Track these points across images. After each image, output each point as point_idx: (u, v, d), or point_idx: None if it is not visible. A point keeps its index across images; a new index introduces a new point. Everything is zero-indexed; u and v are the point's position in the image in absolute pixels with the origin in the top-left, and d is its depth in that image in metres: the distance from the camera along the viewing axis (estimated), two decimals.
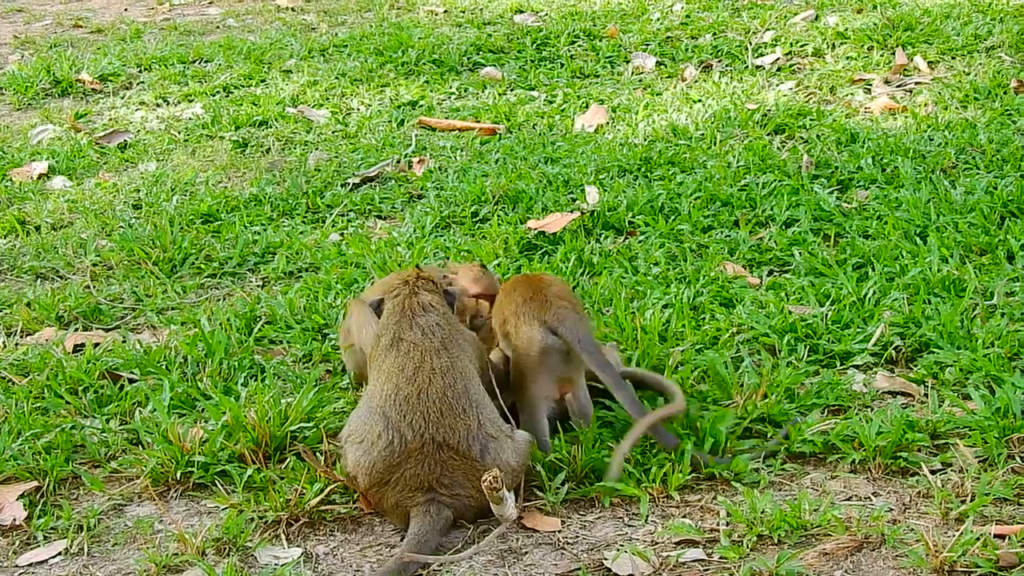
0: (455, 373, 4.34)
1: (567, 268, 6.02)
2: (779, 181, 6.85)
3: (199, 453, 4.67)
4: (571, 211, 6.60)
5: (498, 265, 6.08)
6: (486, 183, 7.07)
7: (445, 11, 11.85)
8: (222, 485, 4.59)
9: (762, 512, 4.17)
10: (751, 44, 9.67)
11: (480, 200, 6.95)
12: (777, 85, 8.78)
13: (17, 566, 4.32)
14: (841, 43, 9.54)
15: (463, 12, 11.64)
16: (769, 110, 8.02)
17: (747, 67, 9.31)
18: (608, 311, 5.58)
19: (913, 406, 4.82)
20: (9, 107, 10.07)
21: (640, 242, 6.31)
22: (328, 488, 4.46)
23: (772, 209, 6.51)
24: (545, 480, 4.45)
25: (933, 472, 4.39)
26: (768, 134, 7.73)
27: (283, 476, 4.60)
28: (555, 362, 4.63)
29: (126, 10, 13.14)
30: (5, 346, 5.80)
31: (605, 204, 6.64)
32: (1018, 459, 4.43)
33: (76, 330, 5.97)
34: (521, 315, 4.63)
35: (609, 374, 4.52)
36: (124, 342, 5.73)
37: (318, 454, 4.64)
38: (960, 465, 4.42)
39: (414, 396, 4.28)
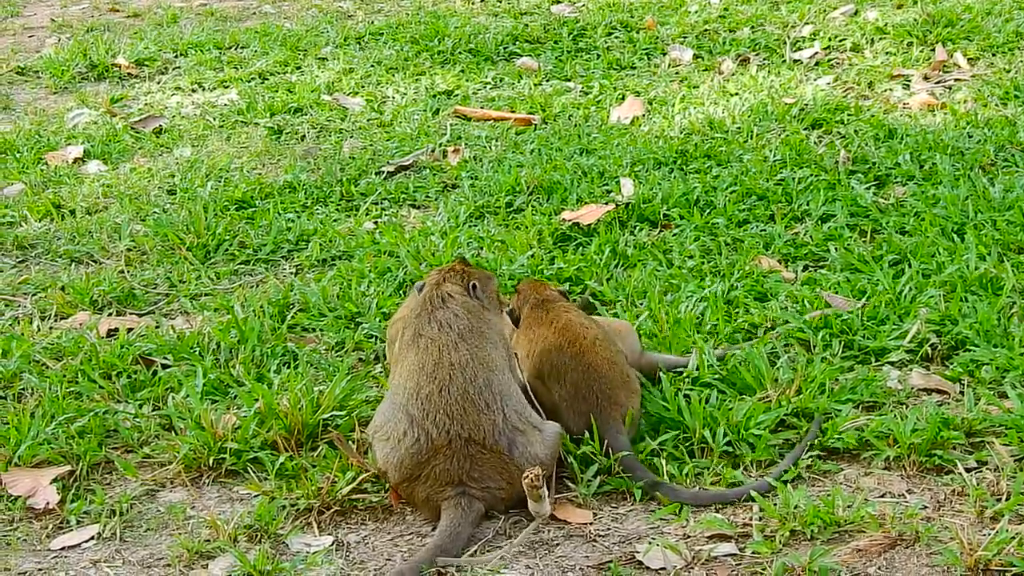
0: (475, 366, 4.31)
1: (601, 260, 5.98)
2: (815, 176, 6.80)
3: (231, 440, 4.66)
4: (606, 203, 6.54)
5: (532, 256, 6.02)
6: (521, 173, 7.05)
7: (482, 0, 11.80)
8: (254, 472, 4.59)
9: (795, 508, 4.13)
10: (789, 38, 9.59)
11: (514, 190, 6.92)
12: (815, 80, 8.71)
13: (50, 550, 4.33)
14: (880, 38, 9.46)
15: (499, 2, 11.59)
16: (807, 104, 7.95)
17: (785, 61, 9.24)
18: (642, 303, 5.52)
19: (948, 404, 4.78)
20: (46, 90, 10.09)
21: (675, 235, 6.28)
22: (360, 477, 4.44)
23: (808, 204, 6.47)
24: (577, 472, 4.42)
25: (968, 470, 4.36)
26: (805, 129, 7.67)
27: (315, 464, 4.59)
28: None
29: None
30: (40, 330, 5.79)
31: (640, 196, 6.60)
32: None
33: (110, 315, 5.96)
34: (569, 405, 4.58)
35: (647, 479, 4.43)
36: (158, 327, 5.74)
37: (351, 442, 4.61)
38: (996, 464, 4.38)
39: (435, 394, 4.26)
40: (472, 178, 7.22)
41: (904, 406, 4.76)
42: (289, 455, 4.60)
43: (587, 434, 4.46)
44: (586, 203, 6.64)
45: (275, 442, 4.69)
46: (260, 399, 4.80)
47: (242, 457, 4.64)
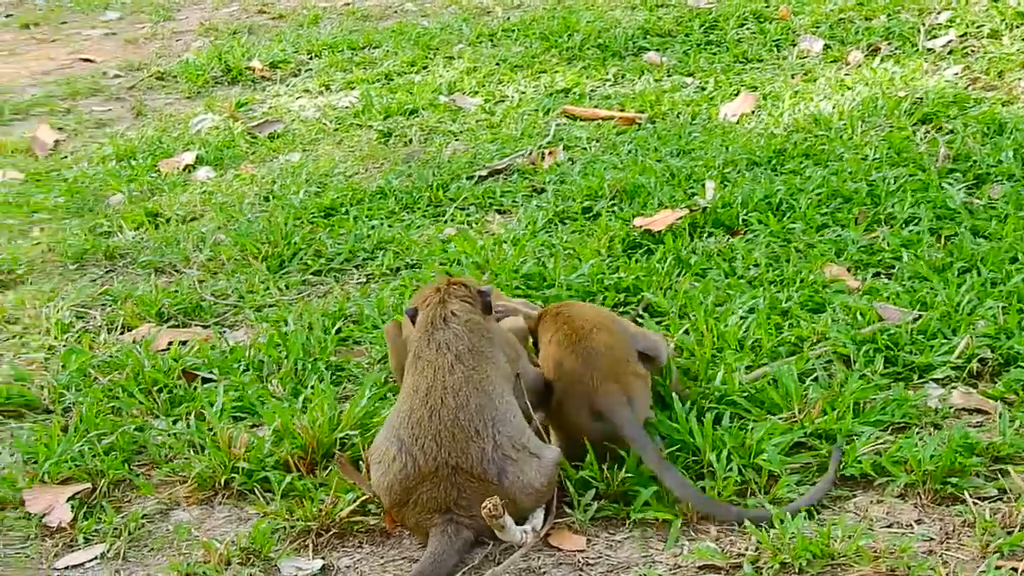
0: (469, 390, 4.14)
1: (663, 268, 5.81)
2: (910, 176, 6.53)
3: (243, 459, 4.61)
4: (683, 207, 6.37)
5: (593, 265, 5.89)
6: (606, 177, 6.89)
7: None
8: (262, 492, 4.54)
9: (790, 539, 3.93)
10: (924, 25, 9.24)
11: (596, 195, 6.78)
12: (943, 70, 8.38)
13: (55, 569, 4.32)
14: (1020, 24, 9.05)
15: None
16: (919, 98, 7.63)
17: (917, 50, 8.90)
18: (695, 316, 5.34)
19: (985, 426, 4.50)
20: (180, 95, 10.24)
21: (747, 241, 6.07)
22: (361, 499, 4.36)
23: (894, 206, 6.19)
24: (575, 497, 4.27)
25: (984, 499, 4.11)
26: (913, 124, 7.37)
27: (323, 484, 4.51)
28: (602, 435, 4.43)
29: None
30: (105, 342, 5.82)
31: (719, 200, 6.40)
32: None
33: (175, 326, 5.98)
34: (568, 395, 4.43)
35: (653, 460, 4.29)
36: (219, 340, 5.70)
37: (362, 463, 4.53)
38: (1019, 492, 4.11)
39: (426, 418, 4.12)
40: (559, 182, 7.10)
41: (936, 428, 4.50)
42: (298, 475, 4.54)
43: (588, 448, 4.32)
44: (666, 208, 6.44)
45: (287, 461, 4.60)
46: (278, 417, 4.72)
47: (253, 476, 4.59)
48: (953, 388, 4.76)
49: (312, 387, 5.12)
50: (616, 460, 4.33)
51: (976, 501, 4.10)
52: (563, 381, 4.43)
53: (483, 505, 3.95)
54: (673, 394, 4.58)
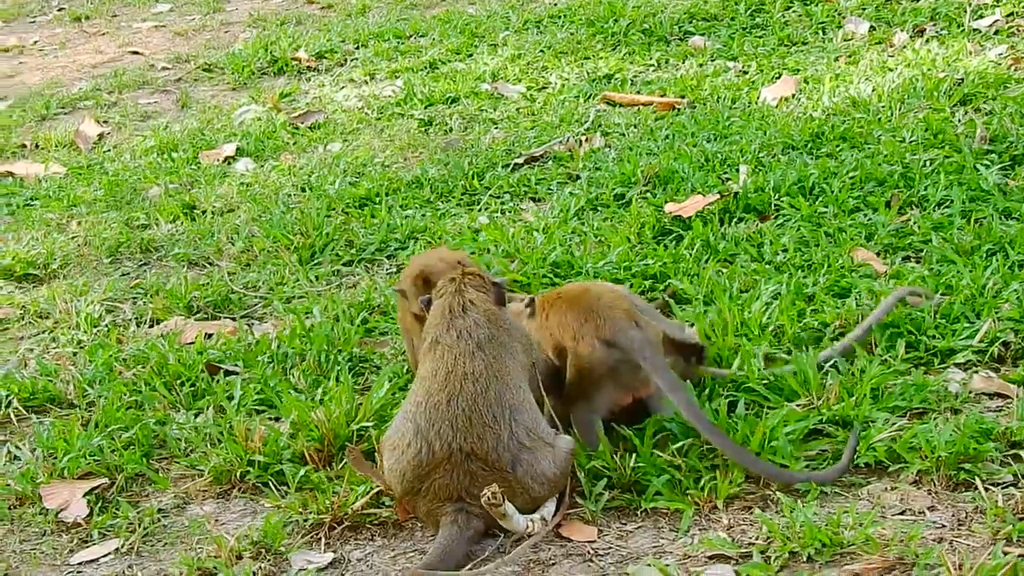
0: (489, 377, 4.13)
1: (691, 255, 5.76)
2: (946, 158, 6.44)
3: (259, 452, 4.61)
4: (717, 193, 6.32)
5: (620, 253, 5.85)
6: (640, 164, 6.84)
7: None
8: (277, 486, 4.53)
9: (799, 527, 3.89)
10: (971, 5, 9.12)
11: (629, 182, 6.74)
12: (987, 50, 8.25)
13: (68, 564, 4.35)
14: None
15: None
16: (959, 80, 7.53)
17: (962, 30, 8.78)
18: (719, 303, 5.30)
19: (1004, 410, 4.44)
20: (226, 86, 10.28)
21: (779, 226, 6.01)
22: (374, 491, 4.35)
23: (927, 189, 6.12)
24: (587, 487, 4.25)
25: (998, 485, 4.04)
26: (952, 106, 7.27)
27: (337, 477, 4.51)
28: (622, 374, 4.41)
29: None
30: (134, 336, 5.85)
31: (752, 185, 6.35)
32: None
33: (205, 319, 5.99)
34: (579, 336, 4.42)
35: (668, 382, 4.27)
36: (245, 332, 5.70)
37: (377, 455, 4.52)
38: None
39: (443, 403, 4.10)
40: (595, 168, 7.07)
41: (954, 413, 4.44)
42: (313, 468, 4.54)
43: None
44: (699, 193, 6.39)
45: (303, 454, 4.60)
46: (294, 411, 4.72)
47: (269, 470, 4.59)
48: (975, 372, 4.68)
49: (333, 379, 5.09)
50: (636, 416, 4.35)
51: (989, 487, 4.04)
52: (566, 328, 4.40)
53: (482, 493, 3.93)
54: (687, 381, 4.53)
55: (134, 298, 6.27)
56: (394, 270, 6.25)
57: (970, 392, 4.57)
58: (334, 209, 6.95)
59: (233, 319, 5.96)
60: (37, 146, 9.15)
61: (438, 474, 4.08)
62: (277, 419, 4.94)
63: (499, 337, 4.25)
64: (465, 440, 4.06)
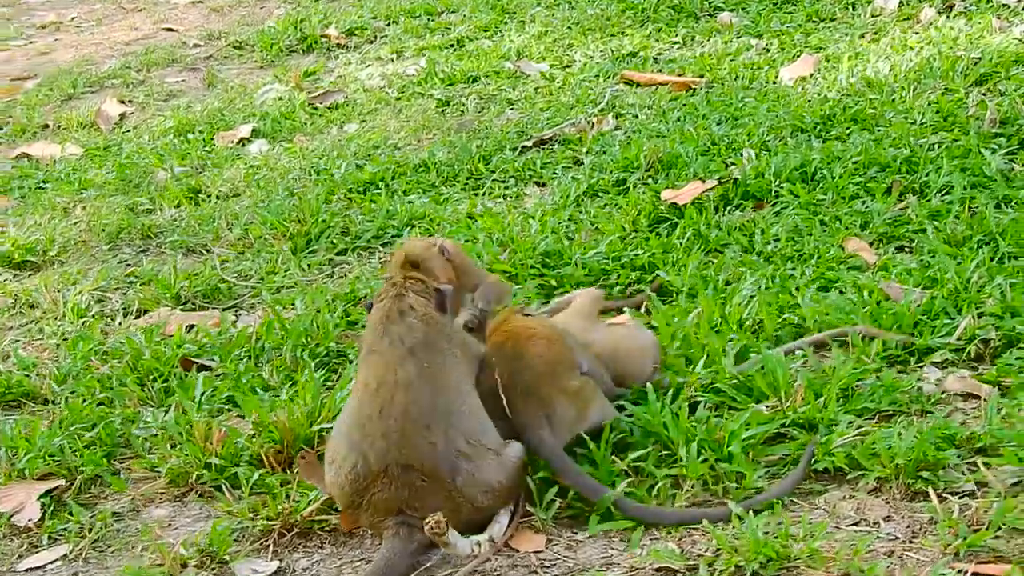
0: (422, 383, 3.97)
1: (682, 244, 5.64)
2: (953, 141, 6.28)
3: (215, 455, 4.54)
4: (716, 179, 6.19)
5: (611, 243, 5.73)
6: (644, 148, 6.71)
7: None
8: (232, 489, 4.43)
9: (748, 540, 3.78)
10: None
11: (632, 167, 6.61)
12: (1013, 27, 8.05)
13: (15, 571, 4.25)
14: None
15: None
16: (977, 59, 7.34)
17: (991, 5, 8.57)
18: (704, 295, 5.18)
19: (975, 413, 4.30)
20: (254, 64, 10.24)
21: (775, 214, 5.88)
22: (326, 497, 4.24)
23: (929, 175, 5.96)
24: (536, 495, 4.13)
25: (956, 495, 3.91)
26: (968, 86, 7.09)
27: (295, 481, 4.41)
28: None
29: None
30: (120, 327, 5.79)
31: (753, 170, 6.21)
32: None
33: (192, 310, 5.92)
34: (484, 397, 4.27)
35: (574, 480, 4.11)
36: (228, 325, 5.63)
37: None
38: (996, 487, 3.91)
39: (376, 414, 3.95)
40: (601, 152, 6.95)
41: (925, 415, 4.31)
42: (268, 471, 4.45)
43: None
44: (699, 179, 6.26)
45: (261, 456, 4.52)
46: (254, 411, 4.65)
47: (224, 473, 4.50)
48: (952, 371, 4.54)
49: (307, 375, 5.01)
50: None
51: (947, 497, 3.90)
52: (485, 385, 4.26)
53: (425, 521, 3.83)
54: (648, 384, 4.42)
55: (126, 287, 6.18)
56: (388, 258, 6.13)
57: (943, 393, 4.43)
58: (336, 194, 6.86)
59: (223, 309, 5.87)
60: (60, 126, 9.10)
61: (376, 488, 3.95)
62: (242, 417, 4.83)
63: (436, 342, 4.07)
64: (400, 452, 3.92)
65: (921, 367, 4.61)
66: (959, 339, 4.66)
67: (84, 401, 5.02)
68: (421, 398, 3.95)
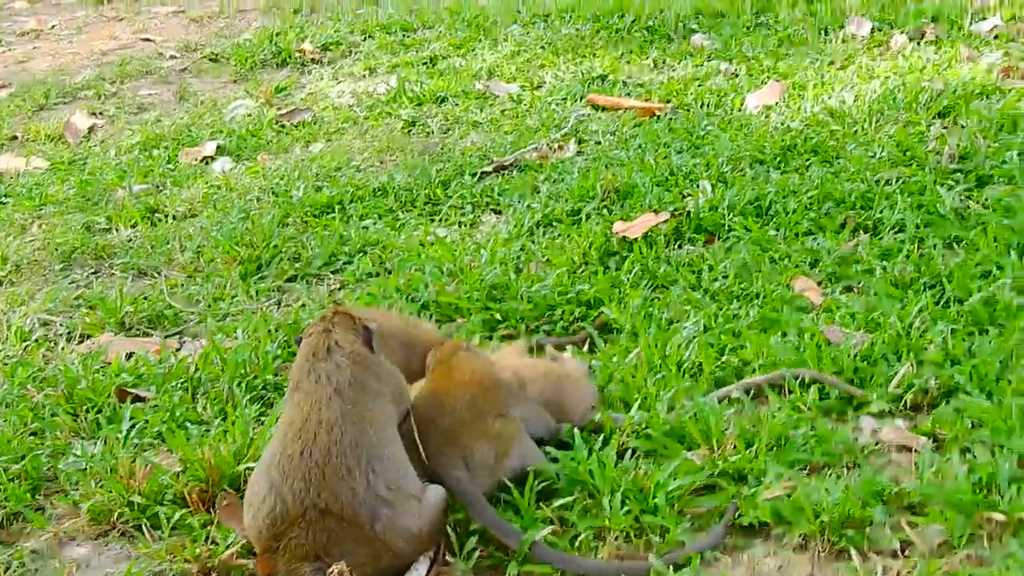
0: (346, 424, 3.89)
1: (629, 280, 5.58)
2: (910, 176, 6.22)
3: (139, 492, 4.46)
4: (670, 211, 6.13)
5: (558, 276, 5.67)
6: (601, 177, 6.65)
7: None
8: (152, 529, 4.36)
9: None
10: (972, 6, 8.86)
11: (588, 196, 6.55)
12: (981, 57, 8.00)
13: None
14: None
15: None
16: (939, 91, 7.29)
17: (962, 33, 8.53)
18: (649, 333, 5.12)
19: (906, 466, 4.25)
20: (228, 78, 10.15)
21: (726, 250, 5.82)
22: (244, 541, 4.17)
23: (883, 212, 5.91)
24: (455, 543, 4.06)
25: (881, 554, 3.84)
26: (931, 118, 7.04)
27: (216, 522, 4.33)
28: None
29: None
30: (63, 351, 5.72)
31: (707, 203, 6.16)
32: (985, 543, 3.81)
33: (136, 335, 5.86)
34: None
35: (491, 523, 4.06)
36: (168, 353, 5.56)
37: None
38: (920, 547, 3.85)
39: (296, 455, 3.87)
40: (559, 180, 6.89)
41: (858, 467, 4.24)
42: (190, 511, 4.38)
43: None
44: (654, 211, 6.21)
45: (184, 495, 4.44)
46: (180, 449, 4.58)
47: (146, 511, 4.43)
48: (888, 421, 4.48)
49: (242, 408, 4.95)
50: None
51: (871, 556, 3.83)
52: (410, 424, 4.22)
53: (329, 571, 3.77)
54: (575, 429, 4.37)
55: (72, 311, 6.10)
56: (336, 286, 6.09)
57: (877, 444, 4.37)
58: (292, 217, 6.79)
59: (167, 335, 5.80)
60: (28, 139, 9.04)
61: (293, 532, 3.86)
62: (173, 452, 4.75)
63: (364, 381, 4.01)
64: (319, 495, 3.85)
65: (858, 416, 4.53)
66: (897, 387, 4.58)
67: (15, 431, 4.92)
68: (344, 439, 3.88)
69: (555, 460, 4.31)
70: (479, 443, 4.17)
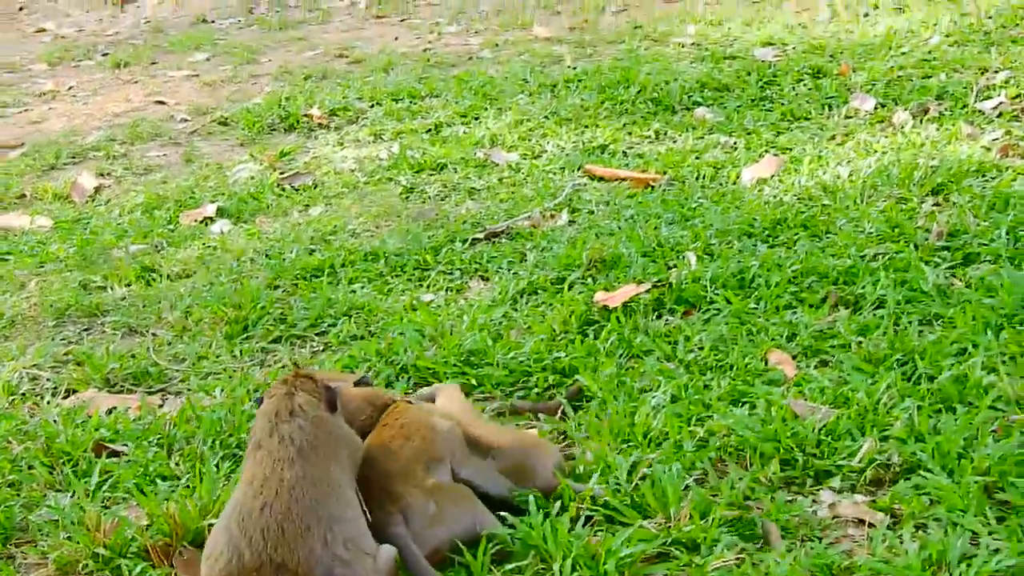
0: (306, 485, 3.95)
1: (605, 348, 5.61)
2: (897, 253, 6.23)
3: (103, 545, 4.50)
4: (652, 283, 6.16)
5: (537, 341, 5.69)
6: (587, 246, 6.69)
7: (694, 44, 11.45)
8: None
9: None
10: (976, 85, 8.89)
11: (574, 265, 6.58)
12: (983, 134, 8.02)
13: None
14: None
15: (711, 45, 11.20)
16: (934, 167, 7.31)
17: (966, 111, 8.55)
18: (619, 402, 5.14)
19: (862, 542, 4.24)
20: (236, 142, 10.23)
21: (705, 321, 5.83)
22: None
23: (865, 288, 5.92)
24: None
25: None
26: (924, 195, 7.05)
27: None
28: None
29: (396, 39, 13.20)
30: (48, 406, 5.78)
31: (689, 276, 6.18)
32: None
33: (120, 392, 5.91)
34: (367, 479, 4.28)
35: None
36: (148, 410, 5.60)
37: None
38: None
39: (256, 511, 3.91)
40: (547, 248, 6.92)
41: (812, 541, 4.24)
42: (151, 565, 4.41)
43: None
44: (638, 281, 6.23)
45: (148, 549, 4.48)
46: (144, 504, 4.62)
47: (110, 564, 4.47)
48: (847, 496, 4.47)
49: (212, 466, 4.99)
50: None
51: None
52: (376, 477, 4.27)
53: None
54: (531, 496, 4.38)
55: (60, 366, 6.16)
56: (320, 348, 6.13)
57: (834, 518, 4.36)
58: (282, 279, 6.84)
59: (150, 393, 5.85)
60: (35, 197, 9.13)
61: None
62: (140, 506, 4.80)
63: (324, 444, 4.10)
64: (276, 551, 3.87)
65: (818, 490, 4.53)
66: (860, 462, 4.57)
67: None
68: (304, 500, 3.94)
69: (511, 526, 4.30)
70: (414, 496, 4.20)
